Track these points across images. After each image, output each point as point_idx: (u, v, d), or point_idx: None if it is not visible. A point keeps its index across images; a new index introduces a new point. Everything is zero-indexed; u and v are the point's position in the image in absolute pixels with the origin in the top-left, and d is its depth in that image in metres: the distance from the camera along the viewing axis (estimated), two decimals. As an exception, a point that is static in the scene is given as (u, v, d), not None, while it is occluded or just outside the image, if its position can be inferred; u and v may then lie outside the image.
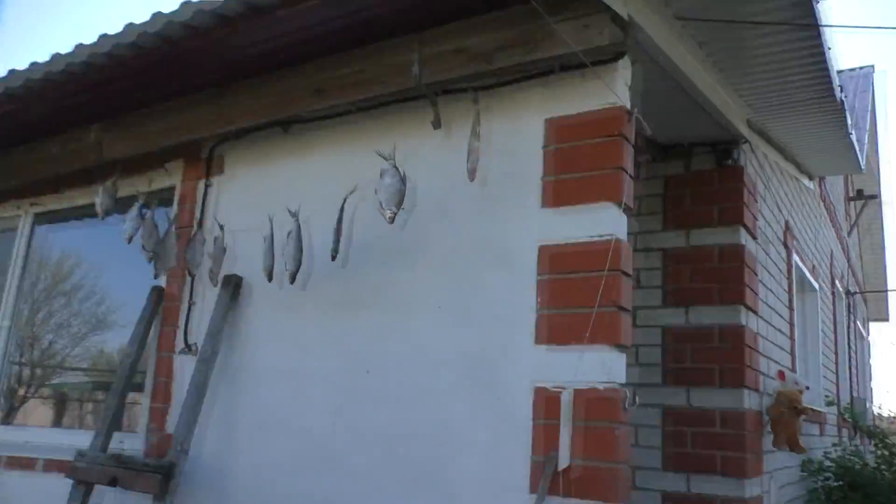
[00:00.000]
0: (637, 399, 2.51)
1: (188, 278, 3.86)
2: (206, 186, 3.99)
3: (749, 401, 4.24)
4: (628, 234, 4.61)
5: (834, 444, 6.52)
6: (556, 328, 2.62)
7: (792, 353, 5.58)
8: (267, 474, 3.27)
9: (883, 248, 12.89)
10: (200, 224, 3.91)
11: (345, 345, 3.21)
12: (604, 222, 2.60)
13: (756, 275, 4.56)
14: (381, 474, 2.93)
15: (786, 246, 5.60)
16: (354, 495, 2.97)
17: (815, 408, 5.94)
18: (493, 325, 2.80)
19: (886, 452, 5.54)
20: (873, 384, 13.43)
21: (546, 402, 2.57)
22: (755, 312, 4.49)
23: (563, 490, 2.46)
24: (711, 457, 4.20)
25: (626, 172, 2.64)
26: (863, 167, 6.17)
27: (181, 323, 3.86)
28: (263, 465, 3.30)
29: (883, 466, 5.57)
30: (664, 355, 4.46)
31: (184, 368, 3.72)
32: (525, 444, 2.59)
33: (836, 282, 8.76)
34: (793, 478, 5.35)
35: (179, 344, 3.82)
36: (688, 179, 4.57)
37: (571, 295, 2.61)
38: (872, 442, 5.97)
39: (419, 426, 2.88)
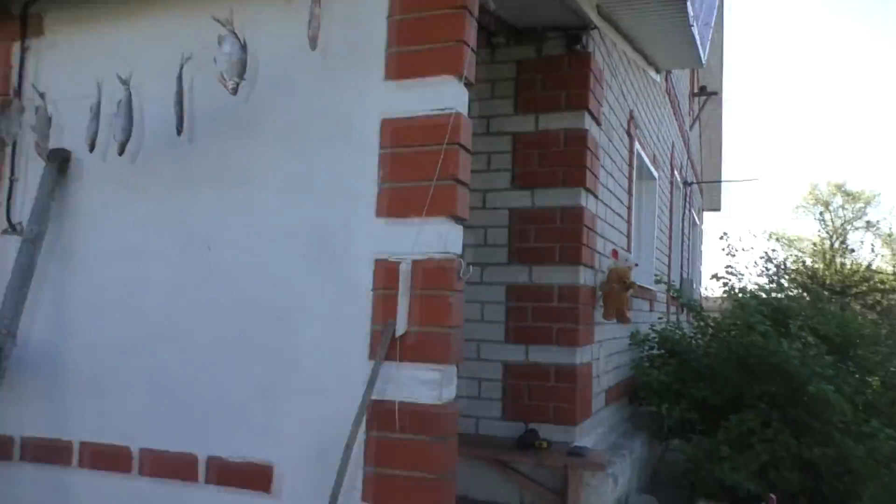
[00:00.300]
0: (471, 269, 2.63)
1: (7, 152, 3.53)
2: (23, 50, 3.60)
3: (584, 277, 4.56)
4: (480, 116, 4.72)
5: (660, 319, 7.21)
6: (397, 201, 2.66)
7: (628, 236, 6.02)
8: (104, 355, 3.17)
9: (720, 142, 13.92)
10: (19, 93, 3.55)
11: (185, 221, 3.11)
12: (445, 96, 2.61)
13: (598, 159, 4.80)
14: (223, 349, 2.93)
15: (629, 134, 5.91)
16: (197, 371, 2.97)
17: (644, 285, 6.49)
18: (336, 199, 2.79)
19: (701, 323, 6.20)
20: (703, 268, 14.82)
21: (385, 273, 2.64)
22: (595, 195, 4.76)
23: (400, 355, 2.58)
24: (548, 329, 4.53)
25: (468, 46, 2.64)
26: (704, 62, 6.52)
27: (2, 200, 3.56)
28: (100, 347, 3.20)
29: (698, 336, 6.25)
30: (510, 236, 4.67)
31: (7, 250, 3.46)
32: (365, 314, 2.67)
33: (676, 172, 9.42)
34: (621, 347, 5.90)
35: (1, 223, 3.54)
36: (539, 64, 4.65)
37: (412, 168, 2.64)
38: (691, 315, 6.65)
39: (262, 300, 2.88)
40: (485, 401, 4.70)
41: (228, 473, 2.85)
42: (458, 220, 2.64)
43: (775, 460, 4.63)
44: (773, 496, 4.34)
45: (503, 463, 4.48)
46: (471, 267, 2.64)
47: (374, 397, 2.58)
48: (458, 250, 2.64)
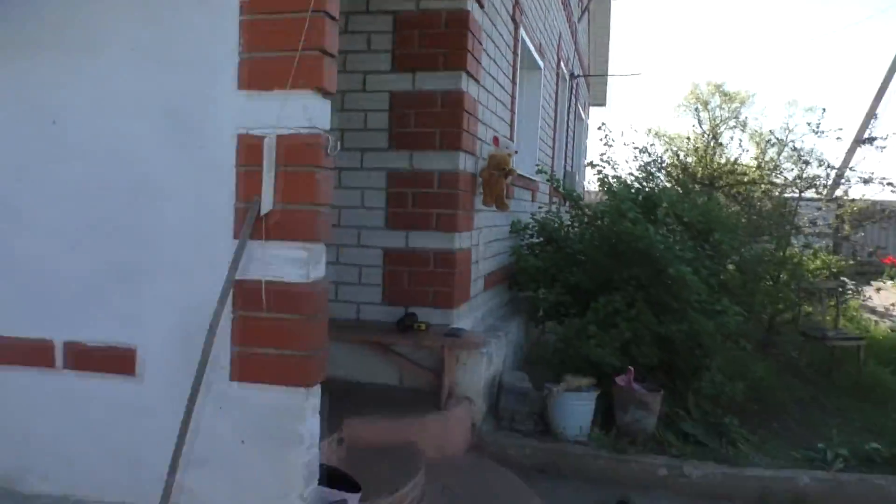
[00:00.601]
0: (339, 145, 2.55)
1: None
2: None
3: (465, 163, 4.57)
4: (359, -7, 4.46)
5: (541, 209, 7.41)
6: (259, 72, 2.50)
7: (511, 124, 6.05)
8: (-61, 238, 2.91)
9: (608, 36, 14.04)
10: None
11: (24, 92, 2.81)
12: (308, -43, 2.43)
13: (480, 43, 4.71)
14: (77, 230, 2.75)
15: (514, 20, 5.82)
16: (49, 254, 2.78)
17: (526, 175, 6.61)
18: (194, 70, 2.60)
19: (578, 212, 6.41)
20: (586, 162, 15.24)
21: (249, 149, 2.51)
22: (476, 80, 4.70)
23: (266, 234, 2.51)
24: (428, 215, 4.55)
25: None
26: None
27: None
28: (-65, 229, 2.92)
29: (575, 224, 6.47)
30: (391, 120, 4.57)
31: None
32: (229, 192, 2.55)
33: (562, 64, 9.45)
34: (502, 235, 6.04)
35: None
36: (420, -62, 4.43)
37: (274, 37, 2.47)
38: (571, 206, 6.86)
39: (116, 178, 2.70)
40: (365, 287, 4.72)
41: (88, 358, 2.74)
42: (325, 93, 2.53)
43: (637, 338, 4.96)
44: (631, 368, 4.69)
45: (383, 346, 4.57)
46: (339, 143, 2.56)
47: (239, 277, 2.51)
48: (326, 125, 2.54)
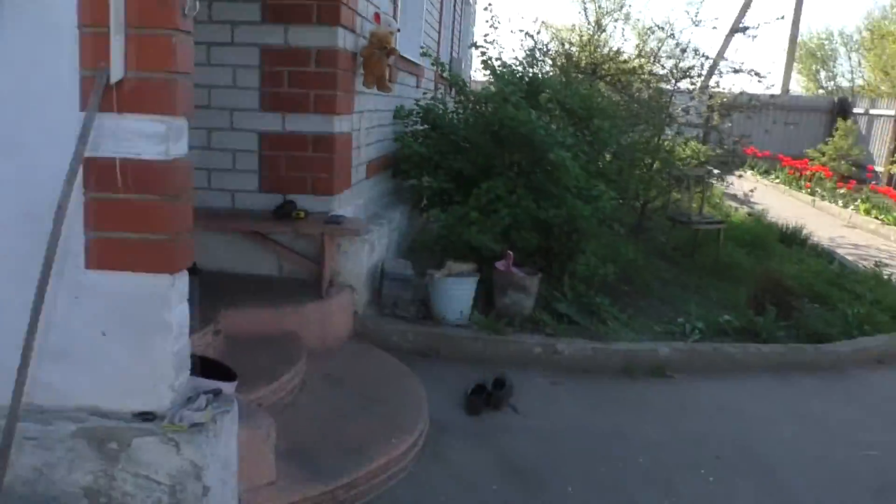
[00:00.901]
0: (198, 5, 2.29)
1: None
2: None
3: (344, 40, 4.31)
4: None
5: (425, 94, 7.23)
6: (98, -85, 2.17)
7: (394, 2, 5.75)
8: None
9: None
10: None
11: None
12: None
13: None
14: None
15: None
16: None
17: (410, 58, 6.38)
18: None
19: (463, 98, 6.30)
20: (474, 50, 14.94)
21: (92, 6, 2.19)
22: (356, -51, 4.38)
23: (118, 105, 2.24)
24: (306, 95, 4.31)
25: None
26: None
27: None
28: None
29: (459, 110, 6.36)
30: (262, -10, 4.21)
31: None
32: (71, 57, 2.24)
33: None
34: (385, 121, 5.86)
35: None
36: None
37: None
38: (454, 91, 6.72)
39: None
40: (240, 173, 4.48)
41: (-84, 247, 2.43)
42: (179, -57, 2.23)
43: (517, 223, 5.04)
44: (510, 253, 4.79)
45: (261, 235, 4.41)
46: (197, 3, 2.29)
47: (90, 154, 2.26)
48: (182, -18, 2.26)
